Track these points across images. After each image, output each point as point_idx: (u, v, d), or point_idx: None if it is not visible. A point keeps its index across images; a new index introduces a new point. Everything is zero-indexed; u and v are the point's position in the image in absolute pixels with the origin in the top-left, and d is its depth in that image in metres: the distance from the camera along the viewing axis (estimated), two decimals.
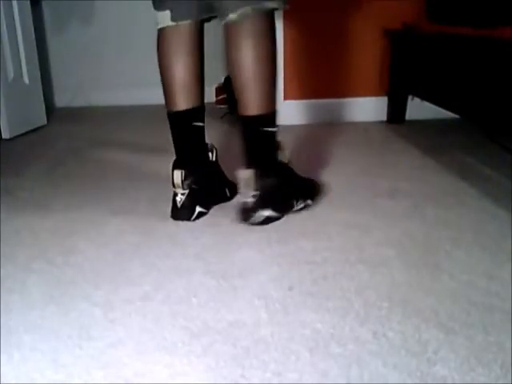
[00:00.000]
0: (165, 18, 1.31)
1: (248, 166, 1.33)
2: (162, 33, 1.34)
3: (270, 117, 1.32)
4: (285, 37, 2.46)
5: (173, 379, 0.80)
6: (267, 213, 1.34)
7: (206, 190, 1.42)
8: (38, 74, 2.69)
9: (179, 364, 0.84)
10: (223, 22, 1.26)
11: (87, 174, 1.86)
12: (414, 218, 1.39)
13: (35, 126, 2.62)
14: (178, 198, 1.39)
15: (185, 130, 1.40)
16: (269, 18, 1.27)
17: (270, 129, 1.32)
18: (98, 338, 0.91)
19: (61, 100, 3.29)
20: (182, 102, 1.36)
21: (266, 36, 1.27)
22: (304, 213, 1.45)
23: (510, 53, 1.51)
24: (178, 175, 1.38)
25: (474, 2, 1.81)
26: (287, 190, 1.39)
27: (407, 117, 2.53)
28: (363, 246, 1.24)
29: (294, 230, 1.34)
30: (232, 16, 1.22)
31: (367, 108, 2.57)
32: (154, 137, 2.37)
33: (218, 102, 2.90)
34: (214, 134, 2.23)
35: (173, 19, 1.30)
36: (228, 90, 2.96)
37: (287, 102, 2.56)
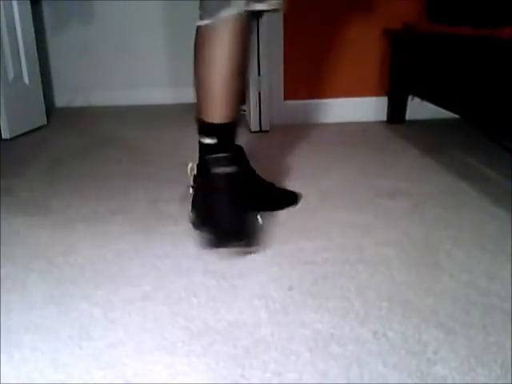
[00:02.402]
0: None
1: None
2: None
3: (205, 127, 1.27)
4: (285, 37, 2.46)
5: (173, 379, 0.81)
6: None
7: None
8: (38, 74, 2.69)
9: (179, 364, 0.84)
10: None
11: (87, 174, 1.86)
12: (414, 218, 1.39)
13: (35, 126, 2.62)
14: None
15: None
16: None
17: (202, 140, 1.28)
18: (98, 337, 0.91)
19: (61, 100, 3.29)
20: None
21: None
22: (304, 213, 1.45)
23: (510, 53, 1.51)
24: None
25: (473, 2, 1.81)
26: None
27: (407, 117, 2.54)
28: (363, 245, 1.24)
29: (294, 230, 1.33)
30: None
31: (367, 108, 2.57)
32: (154, 137, 2.37)
33: None
34: None
35: None
36: None
37: (287, 102, 2.56)
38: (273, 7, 1.22)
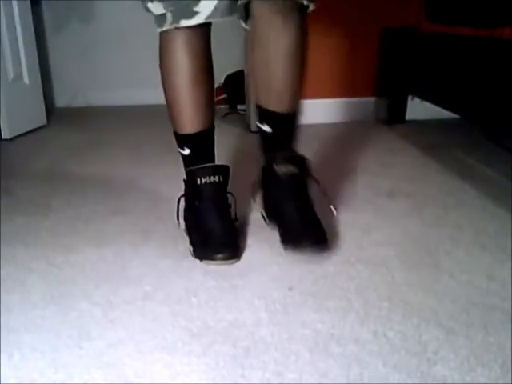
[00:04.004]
0: None
1: None
2: None
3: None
4: None
5: (173, 379, 0.81)
6: None
7: None
8: (38, 74, 2.69)
9: (179, 364, 0.84)
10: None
11: (87, 174, 1.86)
12: (414, 218, 1.39)
13: (35, 126, 2.62)
14: None
15: None
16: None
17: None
18: (98, 337, 0.91)
19: (61, 100, 3.29)
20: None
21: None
22: None
23: (510, 53, 1.50)
24: None
25: (473, 2, 1.81)
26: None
27: (407, 117, 2.53)
28: (363, 246, 1.24)
29: None
30: None
31: (367, 108, 2.57)
32: (154, 136, 2.37)
33: (217, 102, 2.91)
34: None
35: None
36: (228, 89, 2.96)
37: None
38: (200, 21, 1.17)
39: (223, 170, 1.28)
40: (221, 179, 1.26)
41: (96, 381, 0.81)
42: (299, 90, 1.25)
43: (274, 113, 1.24)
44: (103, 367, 0.83)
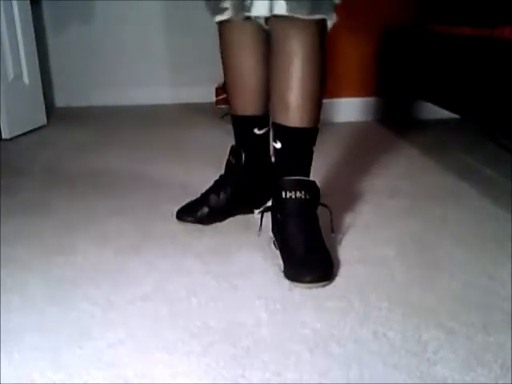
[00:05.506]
0: None
1: None
2: None
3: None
4: None
5: (173, 379, 0.81)
6: None
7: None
8: (38, 74, 2.69)
9: (179, 364, 0.84)
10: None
11: (87, 174, 1.86)
12: (414, 218, 1.39)
13: (35, 126, 2.62)
14: None
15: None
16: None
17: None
18: (98, 337, 0.91)
19: (61, 100, 3.29)
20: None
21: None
22: None
23: (510, 53, 1.50)
24: None
25: (473, 2, 1.81)
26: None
27: (407, 117, 2.53)
28: (363, 245, 1.24)
29: None
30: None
31: (366, 108, 2.57)
32: (154, 136, 2.37)
33: (218, 103, 2.90)
34: (214, 134, 2.23)
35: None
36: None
37: None
38: (257, 14, 1.15)
39: (237, 152, 1.37)
40: (233, 161, 1.37)
41: (96, 381, 0.81)
42: (316, 105, 1.17)
43: (284, 127, 1.17)
44: (103, 367, 0.83)
